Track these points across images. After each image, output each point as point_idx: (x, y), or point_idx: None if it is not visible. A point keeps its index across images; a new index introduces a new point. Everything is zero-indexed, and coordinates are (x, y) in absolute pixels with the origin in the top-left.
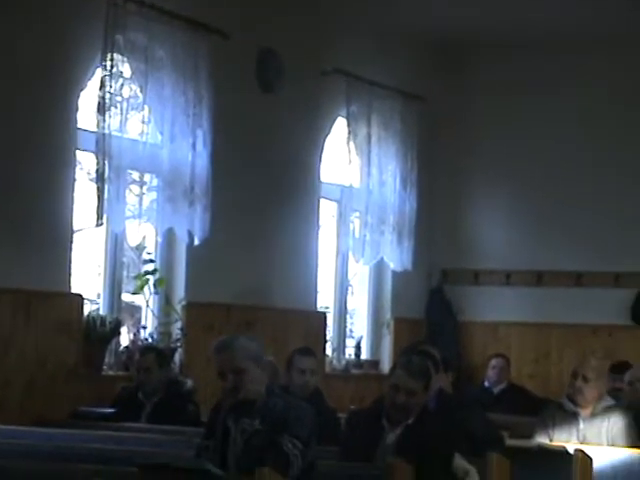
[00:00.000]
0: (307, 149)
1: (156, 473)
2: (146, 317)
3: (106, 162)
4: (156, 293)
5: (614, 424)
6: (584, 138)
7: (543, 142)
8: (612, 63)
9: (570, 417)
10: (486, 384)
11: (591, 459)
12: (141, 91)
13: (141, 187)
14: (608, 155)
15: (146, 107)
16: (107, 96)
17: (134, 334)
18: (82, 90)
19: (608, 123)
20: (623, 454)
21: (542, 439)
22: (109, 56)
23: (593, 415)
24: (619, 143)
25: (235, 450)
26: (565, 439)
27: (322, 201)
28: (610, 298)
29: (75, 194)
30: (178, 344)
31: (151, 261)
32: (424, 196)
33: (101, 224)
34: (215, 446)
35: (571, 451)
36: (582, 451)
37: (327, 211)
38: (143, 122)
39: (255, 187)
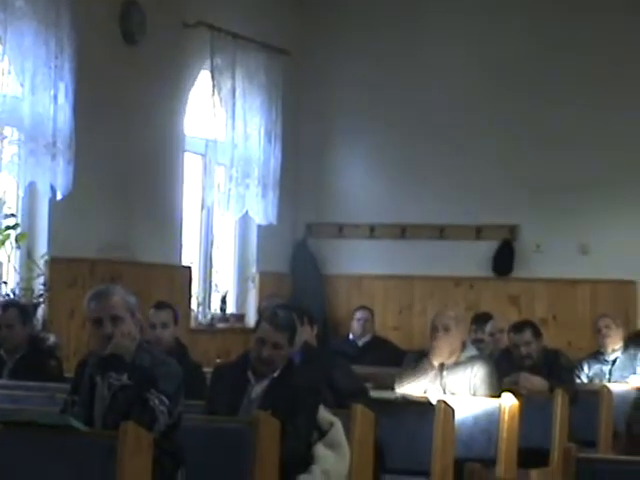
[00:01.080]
0: (171, 102)
1: (20, 429)
2: (7, 273)
3: None
4: (18, 248)
5: (476, 374)
6: (447, 94)
7: (408, 95)
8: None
9: (433, 367)
10: (351, 336)
11: (453, 409)
12: (0, 42)
13: (1, 140)
14: (471, 109)
15: (6, 58)
16: None
17: None
18: None
19: (473, 76)
20: (484, 403)
21: (405, 390)
22: None
23: (455, 365)
24: (482, 96)
25: (101, 405)
26: (428, 389)
27: (186, 154)
28: (472, 251)
29: None
30: (41, 300)
31: (12, 215)
32: (289, 149)
33: None
34: (81, 401)
35: (434, 402)
36: (444, 401)
37: (192, 165)
38: (2, 74)
39: (119, 141)
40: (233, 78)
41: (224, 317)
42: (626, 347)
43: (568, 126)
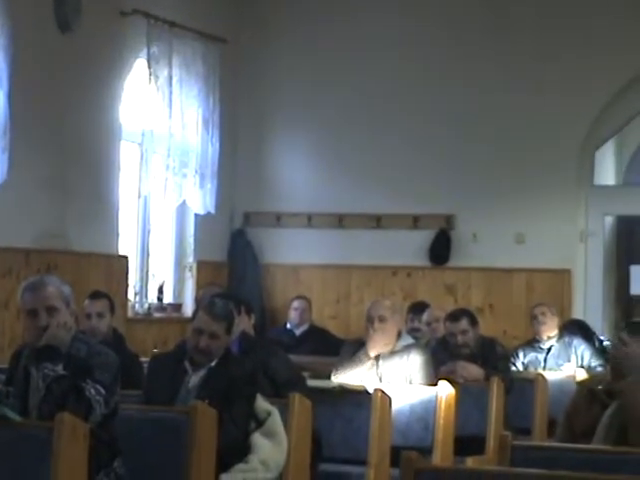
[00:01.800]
0: (107, 91)
1: None
2: None
3: None
4: None
5: (412, 362)
6: (384, 84)
7: (346, 85)
8: None
9: (369, 357)
10: (288, 326)
11: (390, 398)
12: None
13: None
14: (408, 99)
15: None
16: None
17: None
18: None
19: (409, 66)
20: (420, 392)
21: (343, 379)
22: None
23: (392, 354)
24: (419, 86)
25: (36, 396)
26: (365, 378)
27: (123, 143)
28: (409, 240)
29: None
30: None
31: None
32: (227, 138)
33: None
34: (16, 392)
35: (370, 390)
36: (381, 390)
37: (128, 153)
38: None
39: (54, 129)
40: (170, 67)
41: (161, 307)
42: (561, 335)
43: (502, 117)
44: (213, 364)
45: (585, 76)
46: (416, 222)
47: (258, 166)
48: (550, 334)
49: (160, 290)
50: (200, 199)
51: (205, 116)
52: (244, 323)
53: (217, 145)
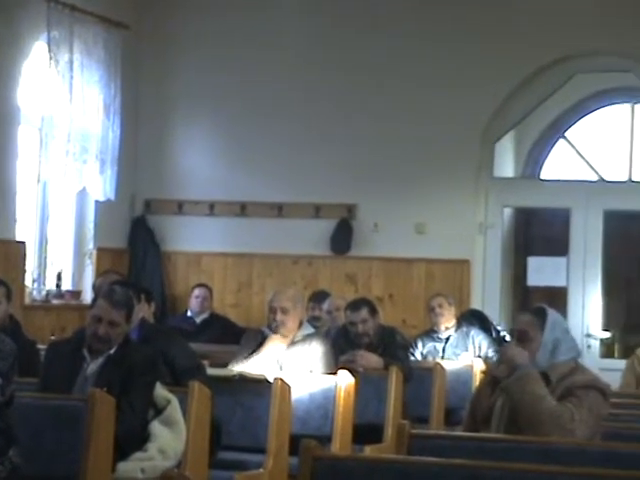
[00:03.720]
0: (6, 75)
1: None
2: None
3: None
4: None
5: (313, 351)
6: (287, 73)
7: (249, 74)
8: None
9: (270, 345)
10: (189, 314)
11: (290, 386)
12: None
13: None
14: (311, 89)
15: None
16: None
17: None
18: None
19: (314, 57)
20: (320, 380)
21: (243, 367)
22: None
23: (292, 343)
24: (322, 77)
25: None
26: (265, 367)
27: (22, 128)
28: (310, 229)
29: None
30: None
31: None
32: (128, 125)
33: None
34: None
35: (271, 379)
36: (281, 379)
37: (27, 138)
38: None
39: None
40: (71, 52)
41: (60, 293)
42: (459, 325)
43: (404, 108)
44: (112, 352)
45: (486, 69)
46: (318, 211)
47: (160, 153)
48: (448, 324)
49: (59, 277)
50: (100, 185)
51: (106, 102)
52: (144, 311)
53: (118, 131)
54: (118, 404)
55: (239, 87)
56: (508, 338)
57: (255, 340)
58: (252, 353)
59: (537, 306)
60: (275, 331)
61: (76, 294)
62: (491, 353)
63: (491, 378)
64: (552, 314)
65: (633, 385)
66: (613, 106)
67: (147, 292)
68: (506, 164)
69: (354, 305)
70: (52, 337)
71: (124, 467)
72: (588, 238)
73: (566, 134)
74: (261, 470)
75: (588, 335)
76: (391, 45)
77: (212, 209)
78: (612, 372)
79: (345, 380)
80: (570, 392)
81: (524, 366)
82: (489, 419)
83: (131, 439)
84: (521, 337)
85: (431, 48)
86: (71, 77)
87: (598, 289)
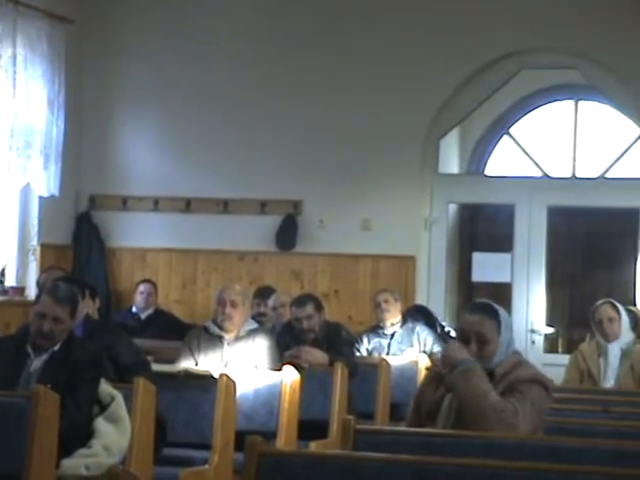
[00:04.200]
0: None
1: None
2: None
3: None
4: None
5: (257, 347)
6: (233, 69)
7: (194, 70)
8: None
9: (215, 341)
10: (134, 309)
11: (235, 382)
12: None
13: None
14: (257, 82)
15: None
16: None
17: None
18: None
19: (255, 50)
20: (265, 376)
21: (188, 363)
22: None
23: (237, 339)
24: (270, 72)
25: None
26: (210, 363)
27: None
28: (256, 225)
29: None
30: None
31: None
32: (72, 121)
33: None
34: None
35: (216, 375)
36: (226, 375)
37: None
38: None
39: None
40: (14, 46)
41: (3, 290)
42: (404, 321)
43: (349, 105)
44: (56, 348)
45: (431, 66)
46: (263, 207)
47: (104, 149)
48: (394, 320)
49: (2, 273)
50: (44, 181)
51: (50, 97)
52: (88, 307)
53: (62, 127)
54: (62, 401)
55: (184, 83)
56: (453, 334)
57: (199, 336)
58: (197, 348)
59: (484, 303)
60: (221, 324)
61: (20, 290)
62: (436, 349)
63: (435, 374)
64: (503, 314)
65: (576, 380)
66: (557, 103)
67: (91, 288)
68: (451, 160)
69: (299, 301)
70: None
71: (68, 464)
72: (532, 234)
73: (510, 130)
74: (206, 466)
75: (532, 330)
76: (337, 41)
77: (157, 205)
78: (556, 367)
79: (290, 376)
80: (513, 387)
81: (466, 361)
82: (434, 415)
83: (75, 436)
84: (480, 339)
85: (376, 45)
86: (14, 72)
87: (542, 285)
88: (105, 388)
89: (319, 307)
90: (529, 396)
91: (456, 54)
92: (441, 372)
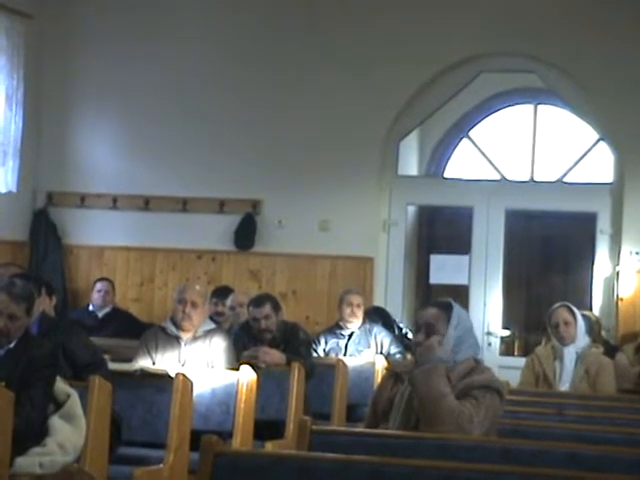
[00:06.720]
0: None
1: None
2: None
3: None
4: None
5: (214, 347)
6: (192, 66)
7: (154, 67)
8: None
9: (172, 340)
10: (91, 307)
11: (191, 382)
12: None
13: None
14: (217, 82)
15: None
16: None
17: None
18: None
19: (218, 51)
20: (222, 376)
21: (144, 362)
22: None
23: (195, 338)
24: (229, 71)
25: None
26: (168, 362)
27: None
28: (215, 224)
29: None
30: None
31: None
32: (30, 117)
33: None
34: None
35: (172, 374)
36: (183, 375)
37: None
38: None
39: None
40: None
41: None
42: (362, 322)
43: (310, 105)
44: (11, 345)
45: (391, 68)
46: (222, 206)
47: (62, 145)
48: (358, 324)
49: None
50: (2, 177)
51: (8, 93)
52: (45, 304)
53: (20, 123)
54: (17, 398)
55: (143, 80)
56: (410, 335)
57: (156, 335)
58: (154, 347)
59: (443, 300)
60: (180, 324)
61: None
62: (393, 350)
63: (392, 373)
64: (458, 309)
65: (532, 383)
66: (516, 106)
67: (48, 285)
68: (410, 163)
69: (257, 301)
70: None
71: (22, 462)
72: (490, 237)
73: (470, 133)
74: (161, 465)
75: (489, 333)
76: (297, 42)
77: (115, 203)
78: (512, 370)
79: (247, 376)
80: (468, 392)
81: (435, 360)
82: (388, 412)
83: (30, 434)
84: (429, 330)
85: (336, 47)
86: None
87: (499, 287)
88: (61, 386)
89: (277, 307)
90: (484, 404)
91: (417, 57)
92: (401, 372)
